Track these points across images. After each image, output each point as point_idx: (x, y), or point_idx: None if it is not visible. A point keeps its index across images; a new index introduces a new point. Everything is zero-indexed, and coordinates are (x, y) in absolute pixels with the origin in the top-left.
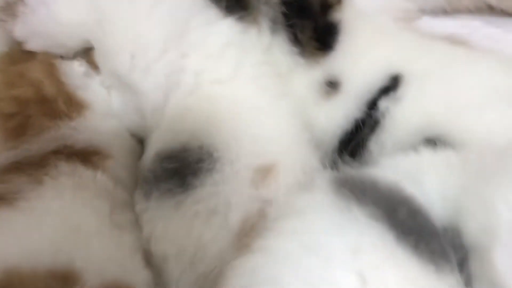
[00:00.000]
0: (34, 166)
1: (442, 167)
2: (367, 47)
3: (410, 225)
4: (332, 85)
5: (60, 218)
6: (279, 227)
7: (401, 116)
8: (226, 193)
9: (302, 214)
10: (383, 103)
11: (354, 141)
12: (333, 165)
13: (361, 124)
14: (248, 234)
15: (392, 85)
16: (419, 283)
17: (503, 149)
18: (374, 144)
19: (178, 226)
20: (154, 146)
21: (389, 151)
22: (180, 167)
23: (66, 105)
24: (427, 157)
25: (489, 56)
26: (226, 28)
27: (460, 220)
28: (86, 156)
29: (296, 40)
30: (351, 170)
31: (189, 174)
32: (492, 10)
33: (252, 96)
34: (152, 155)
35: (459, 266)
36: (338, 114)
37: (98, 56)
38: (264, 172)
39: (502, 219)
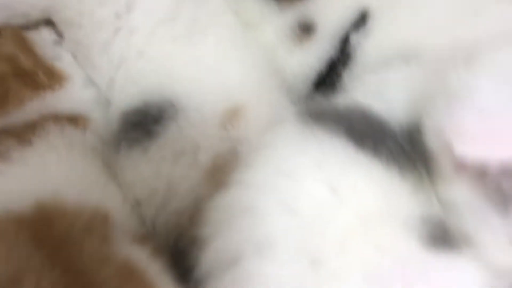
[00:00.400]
0: (22, 129)
1: (406, 80)
2: None
3: (367, 131)
4: (305, 28)
5: (62, 166)
6: (251, 160)
7: (371, 48)
8: (193, 137)
9: (272, 145)
10: (354, 38)
11: (328, 80)
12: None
13: (335, 62)
14: (220, 170)
15: (361, 20)
16: (385, 181)
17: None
18: (347, 78)
19: (146, 170)
20: (118, 107)
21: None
22: (144, 119)
23: (47, 77)
24: (392, 74)
25: None
26: None
27: (421, 122)
28: (72, 119)
29: None
30: (314, 101)
31: (153, 122)
32: None
33: (212, 47)
34: (117, 114)
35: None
36: (313, 57)
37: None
38: (232, 114)
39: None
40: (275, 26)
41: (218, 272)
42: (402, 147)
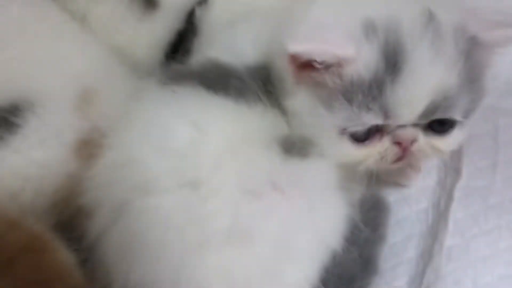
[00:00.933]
0: None
1: (253, 31)
2: None
3: (217, 78)
4: (148, 3)
5: None
6: (118, 125)
7: (213, 19)
8: (53, 122)
9: (137, 106)
10: (198, 12)
11: (180, 48)
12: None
13: (184, 33)
14: (87, 146)
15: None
16: (238, 114)
17: None
18: (196, 47)
19: (14, 161)
20: None
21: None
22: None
23: None
24: (240, 27)
25: None
26: None
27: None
28: None
29: None
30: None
31: (13, 117)
32: None
33: (53, 40)
34: None
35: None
36: (159, 29)
37: None
38: (86, 97)
39: None
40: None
41: (110, 224)
42: (249, 84)
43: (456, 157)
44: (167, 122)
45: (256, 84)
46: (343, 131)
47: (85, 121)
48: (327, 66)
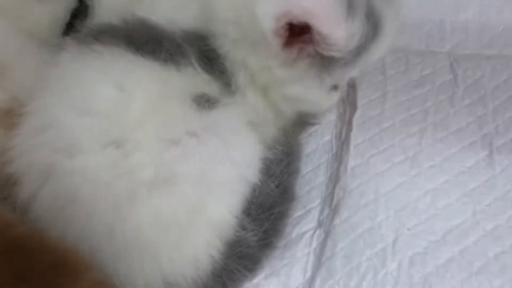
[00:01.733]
0: None
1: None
2: None
3: (145, 38)
4: None
5: None
6: (38, 91)
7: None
8: None
9: (56, 68)
10: None
11: (73, 28)
12: None
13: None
14: (8, 116)
15: None
16: (164, 76)
17: None
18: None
19: None
20: None
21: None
22: None
23: None
24: None
25: None
26: None
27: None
28: None
29: None
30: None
31: None
32: None
33: None
34: None
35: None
36: (60, 9)
37: None
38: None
39: None
40: None
41: (39, 187)
42: (180, 47)
43: (351, 92)
44: (90, 84)
45: (191, 49)
46: (332, 87)
47: (3, 92)
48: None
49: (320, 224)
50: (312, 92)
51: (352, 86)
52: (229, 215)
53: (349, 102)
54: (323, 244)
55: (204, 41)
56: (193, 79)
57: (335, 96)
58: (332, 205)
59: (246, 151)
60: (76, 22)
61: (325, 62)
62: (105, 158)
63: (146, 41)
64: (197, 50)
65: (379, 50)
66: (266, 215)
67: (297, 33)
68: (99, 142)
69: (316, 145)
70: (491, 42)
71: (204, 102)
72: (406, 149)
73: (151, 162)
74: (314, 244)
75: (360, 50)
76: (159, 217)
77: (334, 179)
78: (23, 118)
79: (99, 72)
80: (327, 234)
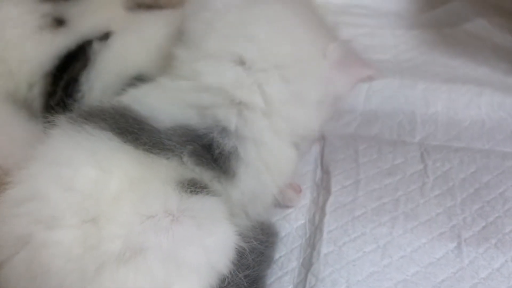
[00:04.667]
0: None
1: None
2: (98, 10)
3: (129, 128)
4: (59, 22)
5: None
6: (25, 160)
7: (108, 58)
8: None
9: (47, 143)
10: (96, 45)
11: (67, 74)
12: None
13: (75, 56)
14: None
15: (104, 36)
16: (147, 161)
17: None
18: (85, 80)
19: None
20: None
21: (98, 94)
22: None
23: None
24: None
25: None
26: None
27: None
28: None
29: None
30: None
31: None
32: None
33: None
34: None
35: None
36: (58, 41)
37: None
38: None
39: None
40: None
41: (13, 253)
42: (161, 140)
43: (325, 178)
44: (77, 163)
45: (182, 146)
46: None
47: None
48: None
49: None
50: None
51: (326, 172)
52: None
53: (322, 187)
54: None
55: (202, 138)
56: (181, 167)
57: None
58: None
59: (220, 240)
60: (72, 68)
61: None
62: (80, 233)
63: (129, 128)
64: (191, 148)
65: None
66: None
67: None
68: (78, 218)
69: (290, 229)
70: (459, 135)
71: (189, 187)
72: (377, 238)
73: (121, 234)
74: None
75: None
76: None
77: (307, 265)
78: (6, 186)
79: (87, 152)
80: None
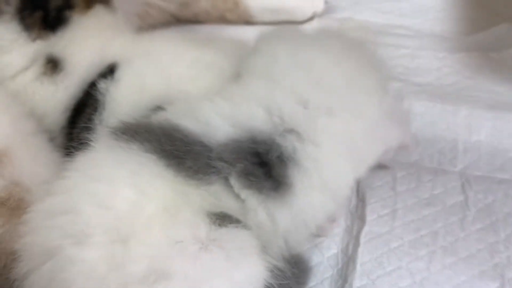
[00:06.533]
0: None
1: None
2: (91, 40)
3: (174, 152)
4: (54, 64)
5: None
6: (69, 170)
7: (120, 95)
8: None
9: (88, 156)
10: (102, 85)
11: (81, 120)
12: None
13: (83, 103)
14: (7, 202)
15: (109, 71)
16: (183, 190)
17: None
18: (98, 123)
19: None
20: None
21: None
22: None
23: None
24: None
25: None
26: None
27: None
28: None
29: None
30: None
31: None
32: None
33: None
34: None
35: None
36: (62, 92)
37: None
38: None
39: None
40: (23, 54)
41: (37, 266)
42: (208, 163)
43: (360, 206)
44: (115, 182)
45: (223, 163)
46: None
47: (3, 179)
48: None
49: None
50: None
51: (361, 200)
52: None
53: (357, 216)
54: None
55: (259, 144)
56: (220, 196)
57: None
58: None
59: (249, 275)
60: (81, 118)
61: None
62: (108, 252)
63: (174, 151)
64: (242, 166)
65: None
66: None
67: None
68: (108, 237)
69: (322, 258)
70: (503, 165)
71: (217, 219)
72: (413, 273)
73: (148, 255)
74: None
75: None
76: None
77: None
78: (27, 202)
79: (128, 173)
80: None
